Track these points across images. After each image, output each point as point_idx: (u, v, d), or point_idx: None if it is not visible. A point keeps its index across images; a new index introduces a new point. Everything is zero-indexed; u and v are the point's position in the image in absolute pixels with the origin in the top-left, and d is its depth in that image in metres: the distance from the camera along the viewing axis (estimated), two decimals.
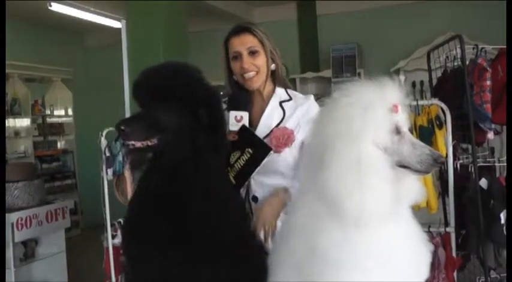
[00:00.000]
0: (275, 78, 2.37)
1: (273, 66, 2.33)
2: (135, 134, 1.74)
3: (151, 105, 1.78)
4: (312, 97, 2.33)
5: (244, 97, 2.31)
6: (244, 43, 2.27)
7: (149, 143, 1.77)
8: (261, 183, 2.26)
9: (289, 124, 2.26)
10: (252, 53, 2.27)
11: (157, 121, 1.76)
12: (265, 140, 2.22)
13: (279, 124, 2.27)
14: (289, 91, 2.37)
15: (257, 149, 2.19)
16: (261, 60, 2.28)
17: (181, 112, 1.77)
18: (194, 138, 1.77)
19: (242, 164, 2.19)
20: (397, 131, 1.53)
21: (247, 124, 2.24)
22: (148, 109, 1.79)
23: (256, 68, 2.27)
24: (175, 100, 1.76)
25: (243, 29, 2.30)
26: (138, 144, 1.76)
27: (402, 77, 6.71)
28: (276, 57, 2.34)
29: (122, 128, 1.73)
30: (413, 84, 6.90)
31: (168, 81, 1.78)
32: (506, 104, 3.24)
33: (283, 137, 2.22)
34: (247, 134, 2.21)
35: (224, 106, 2.34)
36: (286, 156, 2.24)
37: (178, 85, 1.78)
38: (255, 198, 2.27)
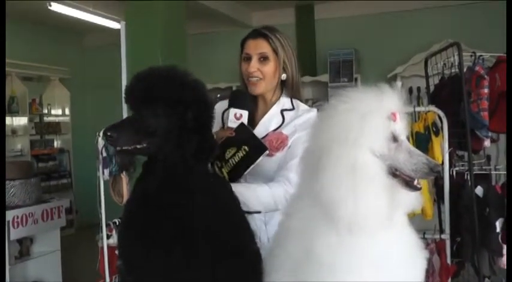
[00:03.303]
0: (285, 87, 2.38)
1: (283, 77, 2.34)
2: (123, 139, 1.74)
3: (140, 109, 1.79)
4: (315, 110, 2.31)
5: (247, 97, 2.32)
6: (257, 48, 2.30)
7: (137, 146, 1.77)
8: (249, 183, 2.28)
9: (285, 130, 2.27)
10: (262, 58, 2.29)
11: (145, 125, 1.76)
12: None
13: (275, 130, 2.29)
14: (294, 101, 2.37)
15: (253, 147, 2.20)
16: (269, 67, 2.29)
17: (169, 115, 1.77)
18: (183, 141, 1.77)
19: (237, 161, 2.21)
20: (395, 138, 1.52)
21: (246, 123, 2.25)
22: (137, 113, 1.79)
23: (261, 75, 2.28)
24: (162, 103, 1.76)
25: (260, 34, 2.32)
26: (126, 147, 1.76)
27: (399, 83, 6.74)
28: (289, 68, 2.34)
29: (109, 133, 1.73)
30: (410, 90, 6.93)
31: (156, 84, 1.78)
32: (506, 112, 3.24)
33: (276, 141, 2.23)
34: (245, 131, 2.22)
35: (223, 105, 2.37)
36: (276, 161, 2.25)
37: (165, 88, 1.78)
38: None
